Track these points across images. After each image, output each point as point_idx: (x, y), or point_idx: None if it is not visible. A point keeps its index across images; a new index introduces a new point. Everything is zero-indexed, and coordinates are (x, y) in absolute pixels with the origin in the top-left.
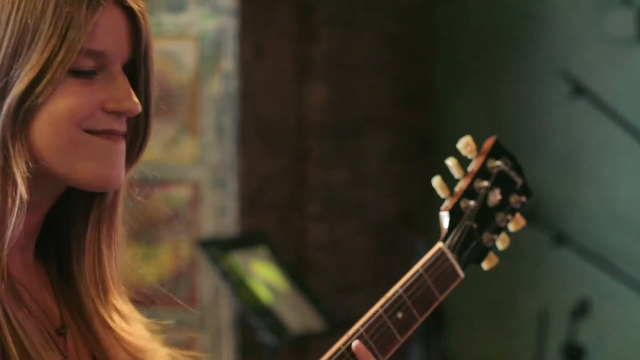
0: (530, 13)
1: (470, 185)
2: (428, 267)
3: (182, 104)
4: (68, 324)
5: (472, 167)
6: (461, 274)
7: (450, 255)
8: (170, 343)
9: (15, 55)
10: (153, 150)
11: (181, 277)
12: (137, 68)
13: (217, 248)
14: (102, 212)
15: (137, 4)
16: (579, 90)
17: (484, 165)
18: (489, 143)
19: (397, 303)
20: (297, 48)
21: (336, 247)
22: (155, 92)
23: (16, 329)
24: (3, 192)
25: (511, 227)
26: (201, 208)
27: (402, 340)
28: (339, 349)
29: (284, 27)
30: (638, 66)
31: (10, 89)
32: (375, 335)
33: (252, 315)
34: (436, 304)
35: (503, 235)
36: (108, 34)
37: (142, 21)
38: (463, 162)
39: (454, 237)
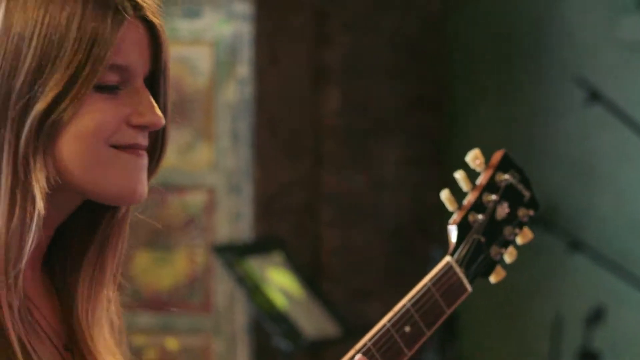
0: (545, 19)
1: (479, 198)
2: (436, 281)
3: (197, 110)
4: (74, 339)
5: (481, 180)
6: (469, 288)
7: (458, 270)
8: (186, 348)
9: (39, 70)
10: (168, 156)
11: (196, 283)
12: (156, 81)
13: (232, 253)
14: (113, 224)
15: (157, 18)
16: (594, 96)
17: (492, 179)
18: (497, 156)
19: (404, 317)
20: (312, 53)
21: (351, 252)
22: (171, 102)
23: (27, 349)
24: (21, 208)
25: (519, 240)
26: (216, 213)
27: (409, 354)
28: None
29: (299, 32)
30: None
31: (34, 105)
32: (382, 349)
33: (267, 320)
34: (444, 317)
35: (511, 249)
36: (131, 49)
37: (162, 35)
38: (471, 175)
39: (462, 251)
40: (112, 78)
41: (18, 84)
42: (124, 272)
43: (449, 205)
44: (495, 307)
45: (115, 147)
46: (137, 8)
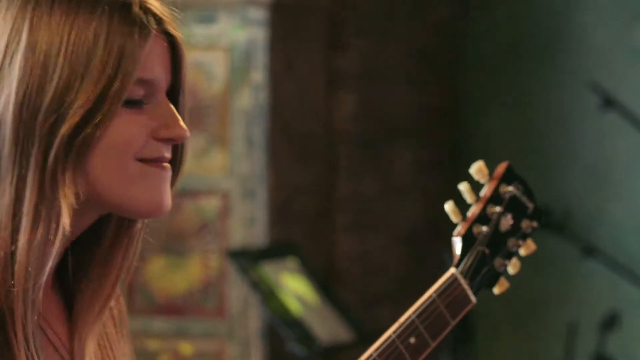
0: (559, 25)
1: (483, 210)
2: (441, 293)
3: (212, 115)
4: (72, 350)
5: (485, 192)
6: (473, 299)
7: (462, 281)
8: (200, 353)
9: (68, 87)
10: None
11: (210, 288)
12: (176, 94)
13: (246, 258)
14: (129, 236)
15: (177, 31)
16: (609, 102)
17: (496, 191)
18: (501, 168)
19: (409, 328)
20: (327, 59)
21: (365, 258)
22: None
23: None
24: (45, 224)
25: (522, 251)
26: (231, 218)
27: None
28: None
29: (313, 38)
30: None
31: (63, 121)
32: None
33: (281, 326)
34: (449, 329)
35: (514, 260)
36: (155, 62)
37: (182, 48)
38: (475, 186)
39: (466, 263)
40: (137, 92)
41: (46, 101)
42: (137, 278)
43: (453, 216)
44: (510, 312)
45: (141, 160)
46: (160, 22)
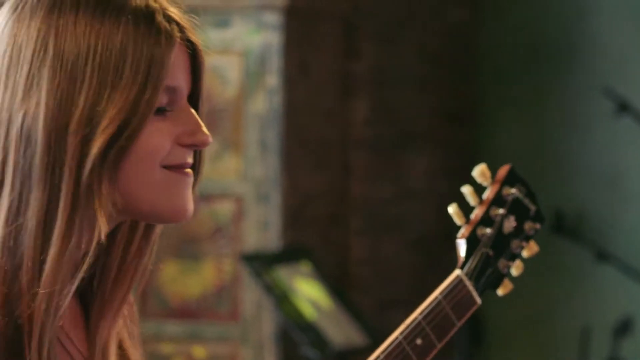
0: (573, 30)
1: (486, 212)
2: (446, 295)
3: (226, 119)
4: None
5: (487, 194)
6: (478, 300)
7: (467, 283)
8: (213, 357)
9: (98, 97)
10: None
11: (224, 292)
12: (196, 100)
13: (260, 262)
14: (148, 240)
15: (197, 38)
16: (623, 107)
17: (499, 193)
18: (503, 171)
19: (416, 330)
20: (341, 64)
21: (379, 262)
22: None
23: None
24: (78, 234)
25: (525, 253)
26: (244, 222)
27: None
28: None
29: (328, 43)
30: None
31: (96, 132)
32: None
33: (295, 329)
34: (454, 330)
35: (517, 262)
36: (178, 69)
37: (202, 55)
38: (478, 189)
39: (471, 265)
40: (162, 100)
41: (77, 111)
42: (151, 282)
43: (457, 219)
44: (523, 317)
45: (166, 167)
46: (182, 30)
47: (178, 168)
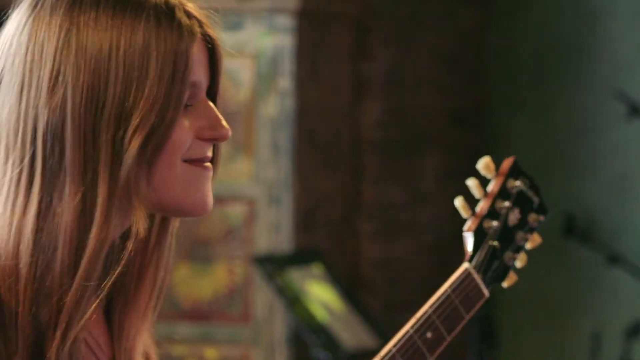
0: (585, 33)
1: (492, 205)
2: (455, 288)
3: (238, 122)
4: (115, 353)
5: (492, 187)
6: (486, 293)
7: (476, 276)
8: (225, 358)
9: (125, 93)
10: None
11: (236, 293)
12: (214, 94)
13: (272, 265)
14: (165, 233)
15: (215, 32)
16: (634, 110)
17: (504, 186)
18: (507, 163)
19: (426, 323)
20: (352, 67)
21: (390, 265)
22: None
23: None
24: (115, 230)
25: (528, 245)
26: (256, 225)
27: (432, 359)
28: None
29: (340, 45)
30: None
31: (128, 128)
32: (406, 355)
33: (306, 331)
34: (463, 323)
35: (522, 254)
36: (198, 65)
37: (220, 50)
38: (482, 183)
39: (478, 258)
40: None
41: (106, 108)
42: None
43: (463, 212)
44: (534, 320)
45: (187, 161)
46: (200, 25)
47: (198, 162)
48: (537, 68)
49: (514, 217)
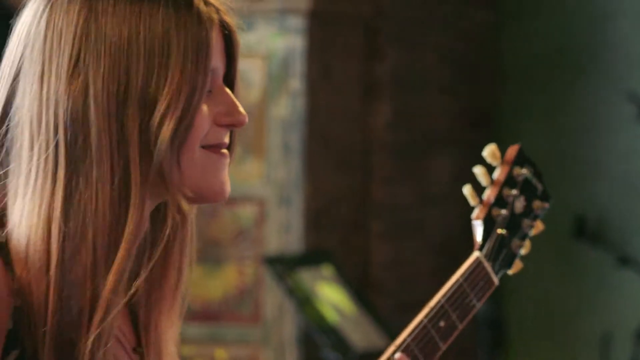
0: (595, 35)
1: (499, 193)
2: (467, 277)
3: (249, 122)
4: (143, 342)
5: (498, 175)
6: (496, 281)
7: (486, 264)
8: (235, 358)
9: (148, 79)
10: None
11: (246, 294)
12: (231, 81)
13: (282, 265)
14: (184, 222)
15: (232, 19)
16: None
17: (510, 174)
18: (513, 151)
19: (440, 312)
20: (363, 68)
21: (400, 266)
22: None
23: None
24: (147, 216)
25: (532, 232)
26: (267, 225)
27: (443, 348)
28: (389, 359)
29: (350, 47)
30: None
31: (153, 115)
32: (420, 344)
33: (316, 332)
34: (474, 311)
35: (527, 241)
36: (216, 51)
37: (237, 36)
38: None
39: (488, 246)
40: None
41: (129, 94)
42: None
43: (471, 200)
44: (544, 321)
45: (204, 147)
46: (217, 12)
47: (216, 148)
48: (547, 69)
49: (520, 204)
